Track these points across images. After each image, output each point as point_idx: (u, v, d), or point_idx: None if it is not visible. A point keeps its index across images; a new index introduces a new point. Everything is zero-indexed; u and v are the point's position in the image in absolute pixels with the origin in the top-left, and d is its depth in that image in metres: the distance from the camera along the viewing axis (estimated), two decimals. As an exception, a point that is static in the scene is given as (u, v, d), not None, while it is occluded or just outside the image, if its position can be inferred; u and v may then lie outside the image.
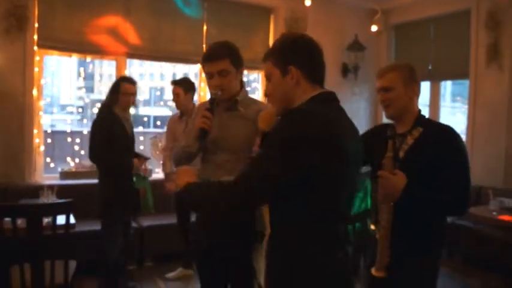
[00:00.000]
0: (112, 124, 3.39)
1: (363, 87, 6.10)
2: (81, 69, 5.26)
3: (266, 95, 1.64)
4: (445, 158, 1.85)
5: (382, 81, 2.03)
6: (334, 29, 5.73)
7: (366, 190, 3.87)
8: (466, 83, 5.23)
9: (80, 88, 6.43)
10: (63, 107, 7.06)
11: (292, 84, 1.51)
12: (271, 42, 5.62)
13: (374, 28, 5.61)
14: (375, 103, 6.25)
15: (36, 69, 4.31)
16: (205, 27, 5.15)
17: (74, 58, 4.72)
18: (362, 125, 6.12)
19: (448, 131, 1.93)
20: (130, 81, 3.55)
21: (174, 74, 8.33)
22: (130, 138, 3.56)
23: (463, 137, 5.35)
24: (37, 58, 4.33)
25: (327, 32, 5.69)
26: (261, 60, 1.62)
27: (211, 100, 2.15)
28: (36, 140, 4.33)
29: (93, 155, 3.41)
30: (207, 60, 2.15)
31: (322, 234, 1.43)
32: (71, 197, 2.77)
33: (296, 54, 1.52)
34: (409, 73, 2.01)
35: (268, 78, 1.59)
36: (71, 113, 5.38)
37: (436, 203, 1.86)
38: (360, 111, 6.14)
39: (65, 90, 7.61)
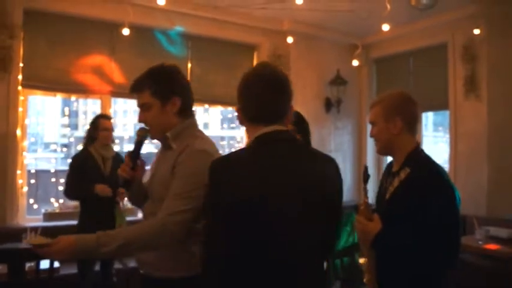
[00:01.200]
0: (83, 161, 3.52)
1: (345, 121, 6.19)
2: (66, 107, 5.26)
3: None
4: (422, 204, 1.68)
5: (369, 115, 1.98)
6: (316, 64, 5.86)
7: (353, 224, 3.88)
8: (447, 113, 5.35)
9: (64, 126, 6.42)
10: (47, 145, 7.00)
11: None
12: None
13: (355, 63, 5.75)
14: (358, 137, 6.34)
15: (20, 109, 4.29)
16: (189, 65, 5.23)
17: (59, 97, 4.72)
18: (346, 158, 6.20)
19: (429, 174, 1.77)
20: (106, 117, 3.69)
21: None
22: (106, 177, 3.59)
23: (446, 166, 5.43)
24: (21, 98, 4.32)
25: (309, 67, 5.81)
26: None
27: (136, 142, 1.90)
28: (20, 181, 4.27)
29: (63, 190, 3.63)
30: (130, 93, 1.84)
31: None
32: (55, 240, 2.72)
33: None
34: (392, 107, 1.87)
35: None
36: (55, 151, 5.32)
37: (413, 251, 1.68)
38: (344, 144, 6.21)
39: (49, 128, 7.56)
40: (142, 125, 1.86)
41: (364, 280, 1.89)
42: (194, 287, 1.61)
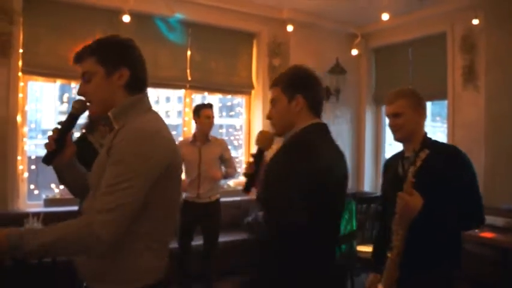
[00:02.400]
0: (83, 150, 3.45)
1: (344, 110, 6.23)
2: (64, 94, 5.26)
3: (269, 118, 1.87)
4: (453, 175, 1.95)
5: (392, 107, 2.18)
6: (315, 53, 5.87)
7: (351, 212, 3.94)
8: (445, 103, 5.39)
9: (62, 113, 6.41)
10: (44, 132, 7.02)
11: (296, 112, 1.78)
12: (254, 66, 5.73)
13: (354, 52, 5.77)
14: (357, 125, 6.38)
15: (20, 95, 4.30)
16: (189, 53, 5.23)
17: (57, 83, 4.72)
18: (346, 146, 6.23)
19: (453, 150, 2.08)
20: None
21: (157, 99, 8.39)
22: None
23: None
24: (21, 84, 4.34)
25: (308, 56, 5.81)
26: (270, 85, 1.88)
27: (69, 114, 1.62)
28: (20, 167, 4.30)
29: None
30: (74, 61, 1.58)
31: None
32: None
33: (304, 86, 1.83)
34: (417, 99, 2.17)
35: (273, 103, 1.84)
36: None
37: (452, 217, 1.94)
38: (343, 133, 6.25)
39: (47, 115, 7.56)
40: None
41: (388, 255, 1.95)
42: None
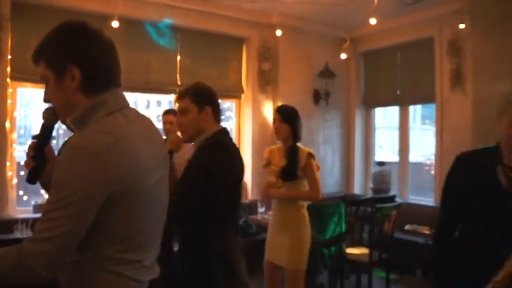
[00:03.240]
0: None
1: (334, 114, 6.28)
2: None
3: (179, 125, 2.24)
4: None
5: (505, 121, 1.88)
6: (305, 57, 5.93)
7: (340, 214, 3.98)
8: (434, 106, 5.47)
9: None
10: (30, 138, 6.99)
11: (205, 120, 2.14)
12: (244, 71, 5.77)
13: (343, 56, 5.83)
14: (346, 129, 6.44)
15: (9, 101, 4.30)
16: (178, 57, 5.26)
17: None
18: (335, 149, 6.30)
19: None
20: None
21: (148, 103, 8.41)
22: None
23: (432, 158, 5.56)
24: (10, 90, 4.33)
25: (298, 60, 5.89)
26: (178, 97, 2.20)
27: (41, 126, 1.45)
28: (9, 173, 4.29)
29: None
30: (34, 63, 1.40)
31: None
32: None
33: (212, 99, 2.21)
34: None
35: (183, 112, 2.15)
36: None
37: None
38: (333, 136, 6.31)
39: (36, 121, 7.55)
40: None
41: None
42: None
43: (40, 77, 1.33)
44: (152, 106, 8.29)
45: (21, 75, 4.37)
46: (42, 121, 1.43)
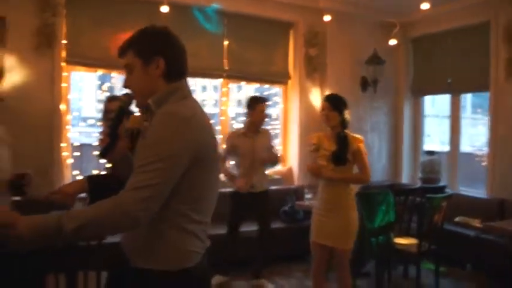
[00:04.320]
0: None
1: (382, 101, 6.16)
2: (104, 83, 5.41)
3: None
4: None
5: None
6: (353, 43, 5.83)
7: (389, 203, 3.93)
8: (487, 94, 5.28)
9: (100, 101, 6.60)
10: (85, 120, 7.24)
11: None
12: (291, 56, 5.74)
13: (392, 42, 5.69)
14: (394, 117, 6.31)
15: (64, 84, 4.47)
16: (226, 42, 5.29)
17: (98, 73, 4.88)
18: (382, 138, 6.20)
19: None
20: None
21: (194, 88, 8.47)
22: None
23: (484, 149, 5.39)
24: (64, 74, 4.50)
25: (345, 46, 5.80)
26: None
27: (117, 108, 1.76)
28: (65, 154, 4.48)
29: None
30: (118, 56, 1.67)
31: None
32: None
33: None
34: None
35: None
36: (93, 125, 5.53)
37: None
38: (380, 124, 6.20)
39: (88, 103, 7.81)
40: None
41: None
42: (174, 283, 1.51)
43: (124, 65, 1.61)
44: (197, 91, 8.40)
45: (75, 60, 4.55)
46: (119, 102, 1.72)
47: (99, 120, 3.59)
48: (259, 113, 4.18)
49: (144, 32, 1.62)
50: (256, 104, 4.17)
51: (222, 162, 4.25)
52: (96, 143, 4.15)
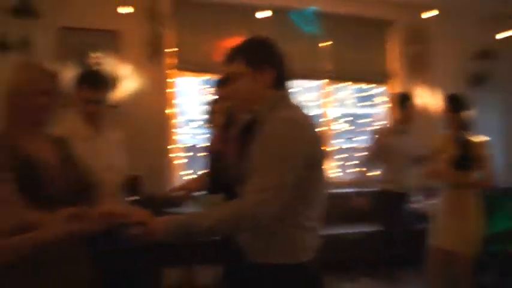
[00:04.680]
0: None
1: (494, 99, 5.70)
2: (207, 87, 5.67)
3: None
4: None
5: None
6: (459, 38, 5.47)
7: (507, 209, 3.64)
8: None
9: (205, 105, 6.87)
10: (191, 122, 7.61)
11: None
12: (392, 55, 5.55)
13: (503, 35, 5.23)
14: (509, 115, 5.81)
15: (172, 89, 4.78)
16: (324, 44, 5.25)
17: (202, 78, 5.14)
18: (495, 137, 5.68)
19: None
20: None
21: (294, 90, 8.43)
22: None
23: None
24: (172, 80, 4.80)
25: (451, 41, 5.46)
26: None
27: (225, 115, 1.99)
28: (175, 155, 4.78)
29: None
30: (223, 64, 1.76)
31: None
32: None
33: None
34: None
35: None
36: (198, 127, 5.81)
37: None
38: (492, 123, 5.73)
39: (193, 107, 8.21)
40: None
41: None
42: (291, 276, 1.60)
43: (231, 73, 1.68)
44: (298, 93, 8.42)
45: (182, 66, 4.81)
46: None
47: (205, 122, 3.73)
48: (410, 109, 4.17)
49: (253, 42, 1.70)
50: (406, 101, 4.18)
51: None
52: (202, 144, 4.33)
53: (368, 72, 5.48)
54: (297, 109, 1.67)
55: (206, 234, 1.50)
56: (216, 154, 1.88)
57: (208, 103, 2.78)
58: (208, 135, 2.64)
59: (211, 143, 2.02)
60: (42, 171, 1.62)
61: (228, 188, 1.95)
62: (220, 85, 2.61)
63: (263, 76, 1.63)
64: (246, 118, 1.82)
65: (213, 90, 2.66)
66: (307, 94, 5.74)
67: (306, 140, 1.56)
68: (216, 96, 2.64)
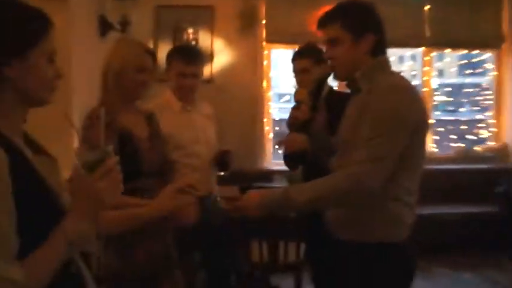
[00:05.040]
0: None
1: None
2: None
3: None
4: None
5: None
6: None
7: None
8: None
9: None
10: (282, 97, 7.62)
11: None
12: (504, 19, 4.99)
13: None
14: None
15: (265, 62, 4.76)
16: (426, 7, 4.86)
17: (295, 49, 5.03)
18: None
19: None
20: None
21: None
22: None
23: None
24: (265, 52, 4.78)
25: None
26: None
27: (317, 79, 1.92)
28: (266, 128, 4.78)
29: None
30: (318, 27, 1.68)
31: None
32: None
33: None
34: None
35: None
36: (289, 101, 5.80)
37: None
38: None
39: (285, 80, 8.20)
40: None
41: None
42: (393, 254, 1.52)
43: (328, 39, 1.61)
44: (395, 62, 8.07)
45: (275, 38, 4.76)
46: (317, 74, 1.81)
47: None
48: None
49: (354, 6, 1.61)
50: None
51: None
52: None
53: (477, 36, 4.98)
54: (400, 76, 1.64)
55: (303, 209, 1.56)
56: (297, 127, 1.81)
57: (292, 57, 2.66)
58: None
59: (292, 116, 1.95)
60: (138, 145, 1.69)
61: (312, 162, 1.92)
62: (298, 57, 2.52)
63: (363, 41, 1.55)
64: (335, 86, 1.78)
65: (294, 62, 2.53)
66: (405, 63, 5.43)
67: (414, 107, 1.50)
68: (297, 68, 2.52)
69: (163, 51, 3.27)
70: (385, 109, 1.47)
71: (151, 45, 4.38)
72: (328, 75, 1.76)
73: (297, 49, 2.61)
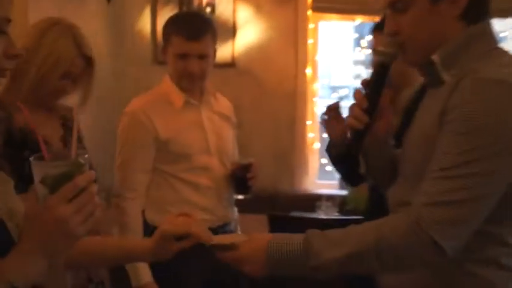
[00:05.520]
0: None
1: None
2: (363, 38, 5.48)
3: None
4: None
5: None
6: None
7: None
8: None
9: (357, 63, 6.69)
10: (335, 89, 7.52)
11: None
12: None
13: None
14: None
15: (310, 40, 4.64)
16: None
17: (354, 22, 4.95)
18: None
19: None
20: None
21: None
22: None
23: None
24: (311, 26, 4.65)
25: None
26: None
27: (375, 67, 1.58)
28: (310, 135, 4.68)
29: None
30: None
31: None
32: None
33: None
34: None
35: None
36: (346, 96, 5.70)
37: None
38: None
39: (340, 68, 8.12)
40: None
41: None
42: None
43: (393, 2, 1.45)
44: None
45: (325, 4, 4.58)
46: (376, 58, 1.55)
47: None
48: None
49: None
50: None
51: None
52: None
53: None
54: (503, 62, 1.40)
55: (333, 271, 1.38)
56: (356, 138, 1.63)
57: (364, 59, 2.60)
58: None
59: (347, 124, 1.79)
60: (43, 148, 1.84)
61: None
62: (377, 31, 2.37)
63: (449, 3, 1.39)
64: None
65: (368, 39, 2.47)
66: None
67: None
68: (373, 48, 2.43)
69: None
70: (480, 118, 1.27)
71: (147, 15, 4.43)
72: (394, 57, 1.52)
73: (378, 20, 2.49)
